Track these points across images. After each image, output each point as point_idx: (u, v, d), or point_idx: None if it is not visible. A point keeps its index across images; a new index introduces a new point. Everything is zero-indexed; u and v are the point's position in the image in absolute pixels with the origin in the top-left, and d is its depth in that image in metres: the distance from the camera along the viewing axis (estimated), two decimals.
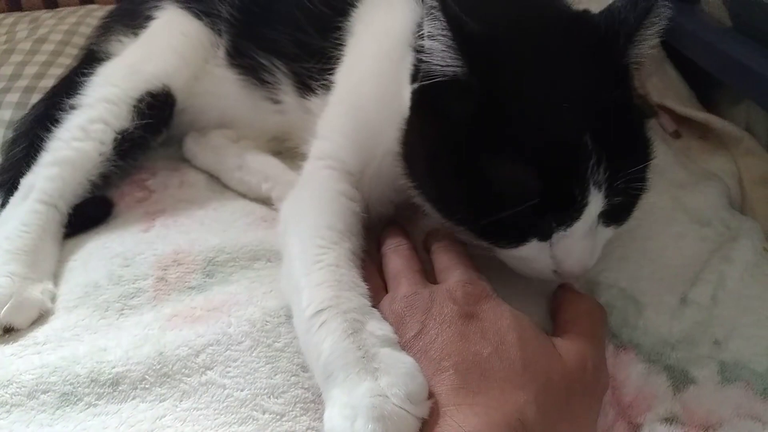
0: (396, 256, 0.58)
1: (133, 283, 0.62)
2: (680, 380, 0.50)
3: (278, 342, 0.54)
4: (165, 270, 0.64)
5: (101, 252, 0.67)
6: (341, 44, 0.71)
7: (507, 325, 0.47)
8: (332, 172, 0.63)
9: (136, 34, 0.84)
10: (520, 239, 0.50)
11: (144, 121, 0.75)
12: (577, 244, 0.50)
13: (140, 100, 0.75)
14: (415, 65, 0.56)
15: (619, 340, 0.54)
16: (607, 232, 0.53)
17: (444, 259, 0.56)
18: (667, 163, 0.74)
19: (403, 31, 0.61)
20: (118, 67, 0.79)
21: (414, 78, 0.56)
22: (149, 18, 0.83)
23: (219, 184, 0.80)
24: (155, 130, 0.78)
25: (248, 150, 0.80)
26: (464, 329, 0.47)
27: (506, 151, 0.48)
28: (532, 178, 0.47)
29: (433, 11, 0.48)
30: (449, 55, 0.48)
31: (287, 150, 0.83)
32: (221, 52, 0.81)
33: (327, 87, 0.73)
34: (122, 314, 0.60)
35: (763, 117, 0.94)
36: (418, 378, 0.44)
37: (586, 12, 0.57)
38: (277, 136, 0.83)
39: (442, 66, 0.49)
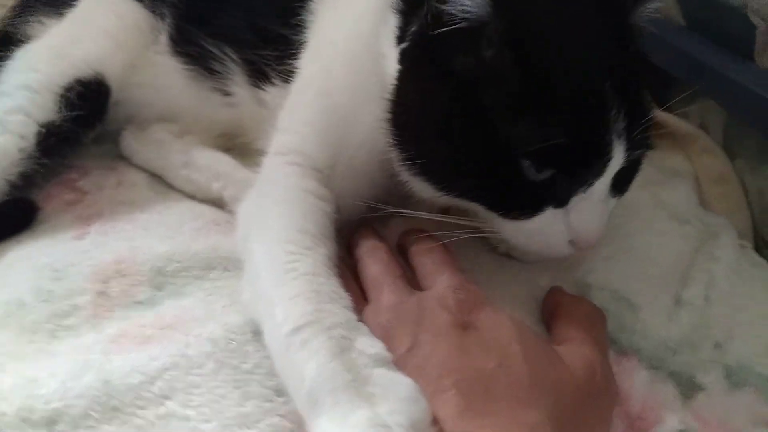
0: (373, 260, 0.52)
1: (67, 300, 0.53)
2: (688, 387, 0.48)
3: (246, 363, 0.48)
4: (105, 283, 0.55)
5: (25, 263, 0.58)
6: (302, 29, 0.65)
7: (509, 335, 0.43)
8: (297, 169, 0.57)
9: (60, 15, 0.74)
10: (535, 207, 0.47)
11: (73, 113, 0.65)
12: (596, 208, 0.48)
13: (68, 89, 0.66)
14: (400, 27, 0.53)
15: (618, 345, 0.51)
16: (611, 204, 0.51)
17: (427, 263, 0.52)
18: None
19: (375, 9, 0.57)
20: (41, 50, 0.69)
21: (401, 39, 0.53)
22: None
23: (162, 183, 0.71)
24: (87, 123, 0.68)
25: (195, 146, 0.72)
26: (462, 341, 0.43)
27: (529, 101, 0.45)
28: (559, 129, 0.44)
29: None
30: None
31: (238, 146, 0.75)
32: (163, 38, 0.73)
33: (285, 77, 0.66)
34: (55, 337, 0.51)
35: (718, 115, 0.95)
36: (420, 402, 0.38)
37: None
38: (227, 132, 0.75)
39: (464, 7, 0.45)
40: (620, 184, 0.51)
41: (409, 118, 0.51)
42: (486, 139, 0.46)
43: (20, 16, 0.78)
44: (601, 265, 0.57)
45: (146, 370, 0.46)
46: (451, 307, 0.45)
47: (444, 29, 0.46)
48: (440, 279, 0.48)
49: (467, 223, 0.52)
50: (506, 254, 0.60)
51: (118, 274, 0.56)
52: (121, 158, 0.74)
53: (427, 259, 0.52)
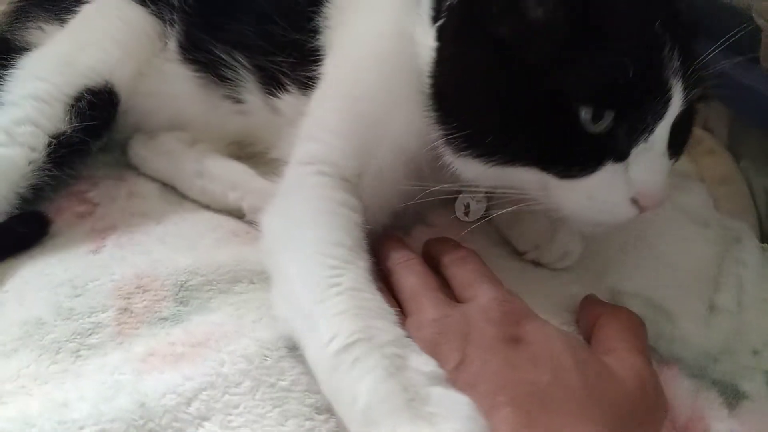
0: (408, 272, 0.51)
1: (89, 317, 0.51)
2: (731, 396, 0.48)
3: (283, 380, 0.46)
4: (128, 299, 0.54)
5: (41, 280, 0.56)
6: (317, 35, 0.64)
7: (559, 348, 0.42)
8: (326, 179, 0.55)
9: (62, 21, 0.72)
10: (595, 162, 0.46)
11: (84, 123, 0.63)
12: (658, 161, 0.47)
13: (78, 99, 0.63)
14: (434, 7, 0.54)
15: (659, 354, 0.51)
16: (669, 166, 0.49)
17: (464, 274, 0.51)
18: None
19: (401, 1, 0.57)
20: (47, 58, 0.67)
21: (436, 18, 0.53)
22: (78, 1, 0.71)
23: (175, 193, 0.69)
24: (97, 133, 0.66)
25: (207, 154, 0.70)
26: (512, 355, 0.42)
27: (585, 48, 0.45)
28: (617, 68, 0.44)
29: None
30: None
31: (249, 156, 0.74)
32: (172, 45, 0.70)
33: (301, 84, 0.65)
34: (79, 356, 0.49)
35: (723, 116, 0.97)
36: (479, 421, 0.37)
37: None
38: (239, 140, 0.73)
39: None
40: (676, 142, 0.49)
41: (452, 89, 0.51)
42: (538, 96, 0.46)
43: (18, 22, 0.75)
44: (631, 272, 0.57)
45: (182, 390, 0.44)
46: (497, 320, 0.44)
47: None
48: (481, 290, 0.47)
49: (519, 195, 0.50)
50: (534, 261, 0.60)
51: (141, 289, 0.55)
52: (130, 167, 0.72)
53: (462, 270, 0.51)
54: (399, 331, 0.43)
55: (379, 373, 0.39)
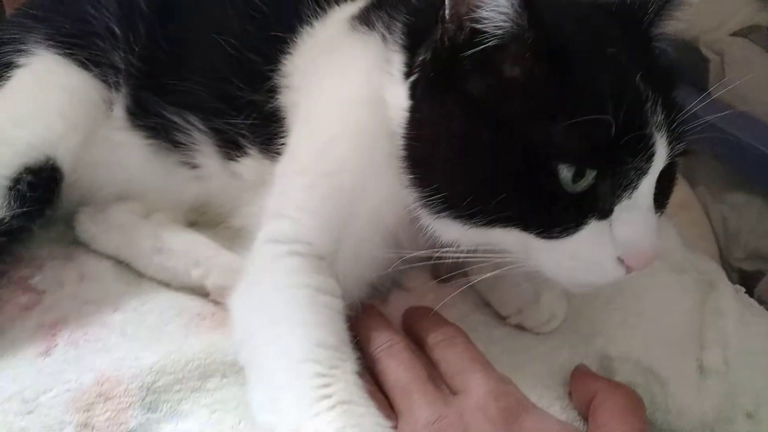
0: (394, 362, 0.49)
1: None
2: None
3: None
4: (88, 411, 0.49)
5: None
6: (277, 95, 0.60)
7: None
8: (300, 260, 0.52)
9: None
10: (577, 221, 0.44)
11: (24, 208, 0.57)
12: (644, 217, 0.45)
13: (17, 181, 0.57)
14: (407, 62, 0.52)
15: (656, 428, 0.50)
16: (656, 220, 0.48)
17: (453, 358, 0.49)
18: None
19: (369, 63, 0.55)
20: None
21: (409, 74, 0.51)
22: (11, 66, 0.64)
23: (131, 272, 0.64)
24: (38, 214, 0.60)
25: (164, 227, 0.65)
26: None
27: (565, 106, 0.43)
28: (598, 125, 0.42)
29: None
30: (508, 5, 0.43)
31: (209, 223, 0.69)
32: (119, 111, 0.65)
33: (263, 145, 0.61)
34: None
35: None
36: None
37: None
38: (197, 207, 0.69)
39: (498, 22, 0.43)
40: (660, 196, 0.48)
41: (427, 149, 0.48)
42: (515, 155, 0.44)
43: None
44: (618, 333, 0.56)
45: None
46: (496, 418, 0.42)
47: (468, 51, 0.45)
48: (474, 381, 0.45)
49: (499, 258, 0.48)
50: (518, 326, 0.58)
51: (102, 397, 0.50)
52: (78, 244, 0.66)
53: (451, 353, 0.49)
54: None
55: None
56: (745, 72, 0.86)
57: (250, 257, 0.55)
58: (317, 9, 0.62)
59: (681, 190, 0.93)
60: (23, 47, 0.64)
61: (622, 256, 0.45)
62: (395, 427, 0.44)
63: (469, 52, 0.45)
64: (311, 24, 0.61)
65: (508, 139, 0.44)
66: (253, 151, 0.63)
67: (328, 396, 0.42)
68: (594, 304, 0.59)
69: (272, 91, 0.61)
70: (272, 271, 0.53)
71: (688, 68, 0.92)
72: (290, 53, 0.61)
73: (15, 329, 0.56)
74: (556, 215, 0.44)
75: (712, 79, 0.89)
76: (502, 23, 0.43)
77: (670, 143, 0.45)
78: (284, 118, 0.60)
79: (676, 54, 0.94)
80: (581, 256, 0.45)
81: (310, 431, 0.41)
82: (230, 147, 0.64)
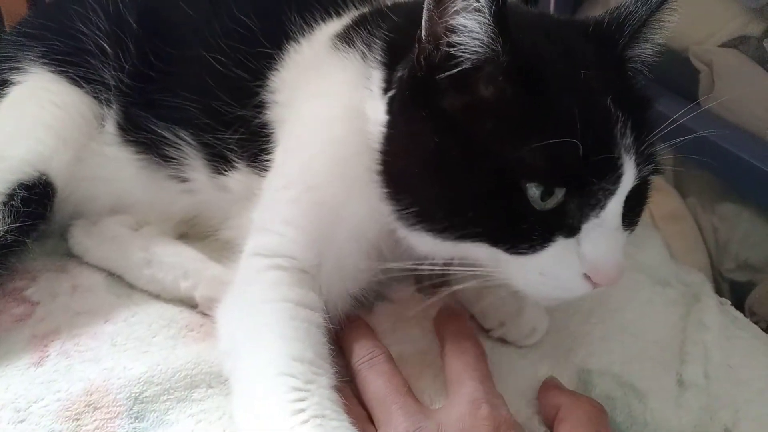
0: (375, 375, 0.50)
1: None
2: None
3: None
4: (77, 420, 0.50)
5: None
6: (265, 111, 0.62)
7: None
8: (282, 274, 0.53)
9: None
10: (545, 238, 0.45)
11: (18, 223, 0.59)
12: (611, 236, 0.45)
13: (11, 196, 0.59)
14: (385, 78, 0.53)
15: None
16: (624, 239, 0.48)
17: (456, 367, 0.50)
18: None
19: (348, 80, 0.56)
20: None
21: (387, 90, 0.52)
22: (6, 84, 0.66)
23: (122, 283, 0.65)
24: (32, 229, 0.61)
25: (155, 240, 0.66)
26: None
27: (535, 125, 0.44)
28: (567, 145, 0.42)
29: None
30: (482, 32, 0.44)
31: (198, 235, 0.71)
32: (110, 127, 0.67)
33: (251, 160, 0.63)
34: None
35: (666, 153, 0.98)
36: None
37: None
38: (186, 220, 0.70)
39: (473, 46, 0.44)
40: (631, 214, 0.49)
41: (401, 163, 0.49)
42: (485, 172, 0.45)
43: None
44: (598, 346, 0.56)
45: None
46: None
47: (443, 74, 0.46)
48: (462, 390, 0.46)
49: (473, 271, 0.49)
50: (501, 339, 0.59)
51: (91, 407, 0.51)
52: (71, 256, 0.68)
53: (457, 363, 0.50)
54: None
55: None
56: (735, 83, 0.86)
57: (237, 270, 0.57)
58: (304, 26, 0.63)
59: (672, 201, 0.94)
60: (17, 65, 0.66)
61: (588, 273, 0.45)
62: None
63: (445, 74, 0.46)
64: (298, 41, 0.63)
65: (478, 156, 0.45)
66: (241, 165, 0.64)
67: (303, 410, 0.43)
68: (575, 317, 0.60)
69: (260, 106, 0.62)
70: (256, 284, 0.54)
71: (678, 79, 0.92)
72: (277, 70, 0.63)
73: (9, 340, 0.57)
74: (524, 232, 0.45)
75: (701, 90, 0.89)
76: (477, 48, 0.44)
77: (638, 165, 0.46)
78: (272, 133, 0.62)
79: (665, 64, 0.95)
80: (548, 272, 0.46)
81: None
82: (219, 161, 0.65)
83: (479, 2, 0.43)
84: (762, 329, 0.65)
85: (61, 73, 0.66)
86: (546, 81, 0.45)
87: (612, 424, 0.51)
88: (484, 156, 0.45)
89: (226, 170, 0.65)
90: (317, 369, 0.47)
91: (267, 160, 0.61)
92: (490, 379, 0.49)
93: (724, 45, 0.89)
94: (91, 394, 0.52)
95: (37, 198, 0.61)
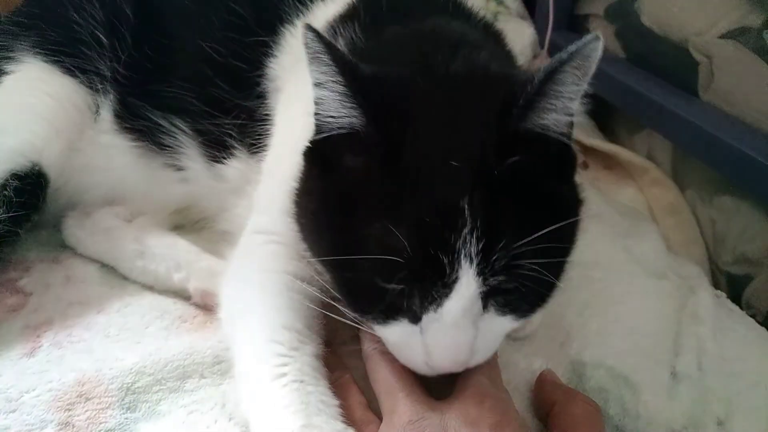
0: (385, 361, 0.48)
1: None
2: None
3: None
4: (69, 410, 0.50)
5: None
6: (263, 100, 0.62)
7: None
8: (280, 248, 0.53)
9: None
10: (388, 315, 0.44)
11: (11, 213, 0.58)
12: (448, 332, 0.43)
13: (4, 186, 0.59)
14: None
15: None
16: (502, 323, 0.45)
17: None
18: (604, 209, 0.73)
19: None
20: None
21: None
22: None
23: (115, 274, 0.65)
24: (25, 219, 0.61)
25: (148, 231, 0.66)
26: None
27: (384, 209, 0.42)
28: (400, 241, 0.40)
29: (319, 56, 0.42)
30: (342, 104, 0.43)
31: (193, 225, 0.71)
32: (106, 115, 0.66)
33: (251, 146, 0.62)
34: None
35: (664, 144, 0.98)
36: None
37: (506, 65, 0.54)
38: (181, 209, 0.70)
39: (334, 117, 0.44)
40: (512, 304, 0.44)
41: (301, 211, 0.49)
42: (350, 239, 0.43)
43: None
44: (593, 340, 0.56)
45: None
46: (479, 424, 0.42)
47: (318, 136, 0.46)
48: (468, 386, 0.46)
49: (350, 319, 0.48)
50: None
51: (83, 397, 0.51)
52: (65, 247, 0.68)
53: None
54: (338, 427, 0.44)
55: None
56: (735, 75, 0.86)
57: (238, 246, 0.57)
58: (299, 6, 0.62)
59: (670, 193, 0.93)
60: (11, 54, 0.66)
61: (426, 360, 0.44)
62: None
63: (319, 136, 0.46)
64: (293, 23, 0.62)
65: (345, 220, 0.44)
66: (240, 152, 0.64)
67: (283, 375, 0.45)
68: (570, 310, 0.59)
69: (262, 96, 0.62)
70: (254, 256, 0.54)
71: (677, 70, 0.92)
72: (276, 56, 0.62)
73: (2, 330, 0.58)
74: (371, 304, 0.44)
75: (701, 82, 0.89)
76: (339, 119, 0.44)
77: (481, 275, 0.41)
78: (273, 118, 0.61)
79: (664, 56, 0.94)
80: (394, 346, 0.46)
81: (263, 407, 0.45)
82: (217, 149, 0.65)
83: (334, 77, 0.42)
84: (759, 322, 0.65)
85: (54, 62, 0.66)
86: (405, 165, 0.42)
87: (605, 417, 0.50)
88: (349, 221, 0.43)
89: (224, 158, 0.65)
90: (303, 338, 0.48)
91: (267, 145, 0.61)
92: (497, 372, 0.48)
93: (723, 36, 0.88)
94: (83, 385, 0.52)
95: (29, 188, 0.60)
